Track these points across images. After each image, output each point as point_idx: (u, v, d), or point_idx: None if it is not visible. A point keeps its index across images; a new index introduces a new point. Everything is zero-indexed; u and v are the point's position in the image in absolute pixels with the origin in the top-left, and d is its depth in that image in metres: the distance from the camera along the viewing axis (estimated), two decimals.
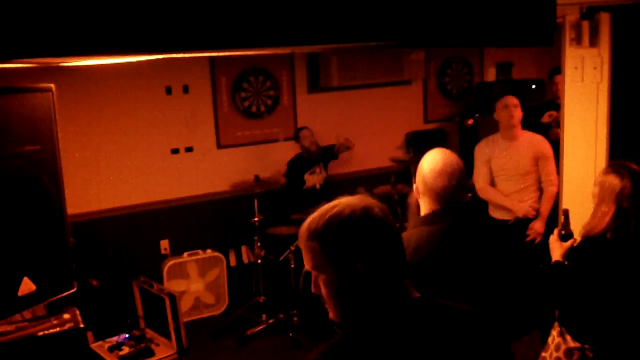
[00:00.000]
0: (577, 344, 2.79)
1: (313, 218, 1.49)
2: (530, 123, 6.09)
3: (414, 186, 2.48)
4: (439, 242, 2.37)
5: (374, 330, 1.45)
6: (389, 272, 1.48)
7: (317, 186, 5.72)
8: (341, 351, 1.42)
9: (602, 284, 2.71)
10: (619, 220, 2.69)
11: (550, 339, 2.94)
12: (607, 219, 2.70)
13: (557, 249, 2.85)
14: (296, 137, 5.77)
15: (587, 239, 2.77)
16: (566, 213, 2.96)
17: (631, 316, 2.68)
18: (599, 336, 2.75)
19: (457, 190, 2.39)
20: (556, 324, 2.93)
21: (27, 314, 2.38)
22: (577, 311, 2.79)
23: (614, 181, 2.71)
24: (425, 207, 2.45)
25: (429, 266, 2.31)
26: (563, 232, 2.89)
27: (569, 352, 2.82)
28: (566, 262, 2.83)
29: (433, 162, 2.38)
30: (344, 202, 1.50)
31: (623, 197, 2.68)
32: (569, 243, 2.85)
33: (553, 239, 2.88)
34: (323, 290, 1.50)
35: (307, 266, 1.51)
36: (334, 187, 5.76)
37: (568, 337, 2.82)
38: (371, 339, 1.44)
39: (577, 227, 2.89)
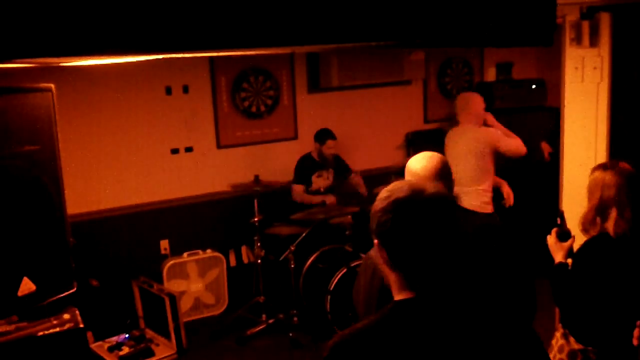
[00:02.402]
0: (581, 346, 2.78)
1: None
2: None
3: None
4: None
5: (379, 324, 1.48)
6: (405, 265, 1.49)
7: (322, 189, 5.71)
8: (351, 342, 1.46)
9: (606, 285, 2.70)
10: (608, 213, 2.71)
11: (553, 341, 2.94)
12: (592, 211, 2.75)
13: (558, 250, 2.85)
14: (320, 140, 5.66)
15: (590, 240, 2.77)
16: (561, 214, 2.97)
17: (634, 317, 2.67)
18: (602, 338, 2.74)
19: (443, 174, 2.38)
20: (559, 325, 2.92)
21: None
22: (580, 313, 2.78)
23: (597, 175, 2.79)
24: None
25: None
26: (560, 232, 2.88)
27: (572, 354, 2.81)
28: (569, 261, 2.83)
29: (416, 155, 2.46)
30: (405, 184, 1.52)
31: (605, 187, 2.72)
32: (569, 242, 2.84)
33: (552, 241, 2.88)
34: None
35: None
36: (335, 188, 5.78)
37: (572, 339, 2.81)
38: (375, 332, 1.46)
39: (577, 227, 2.89)
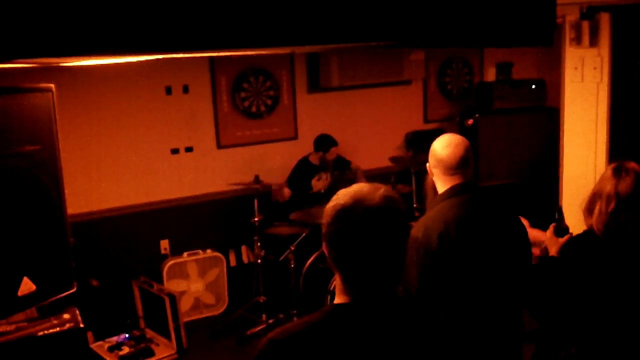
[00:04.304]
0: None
1: None
2: None
3: (428, 167, 2.54)
4: (458, 215, 2.38)
5: (312, 327, 1.50)
6: (341, 268, 1.50)
7: (322, 190, 5.70)
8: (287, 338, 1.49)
9: (583, 282, 2.68)
10: (594, 207, 2.69)
11: None
12: (586, 202, 2.73)
13: (553, 245, 2.85)
14: (323, 148, 5.63)
15: (575, 237, 2.77)
16: (559, 210, 2.97)
17: (614, 316, 2.66)
18: (581, 337, 2.74)
19: (466, 162, 2.47)
20: None
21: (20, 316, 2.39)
22: (558, 308, 2.78)
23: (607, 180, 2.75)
24: (440, 186, 2.49)
25: (450, 246, 2.31)
26: (557, 227, 2.89)
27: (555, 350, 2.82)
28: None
29: (441, 137, 2.56)
30: (352, 189, 1.53)
31: (598, 181, 2.71)
32: (564, 238, 2.84)
33: (549, 235, 2.88)
34: None
35: None
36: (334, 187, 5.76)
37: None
38: (307, 336, 1.48)
39: (577, 225, 2.89)
